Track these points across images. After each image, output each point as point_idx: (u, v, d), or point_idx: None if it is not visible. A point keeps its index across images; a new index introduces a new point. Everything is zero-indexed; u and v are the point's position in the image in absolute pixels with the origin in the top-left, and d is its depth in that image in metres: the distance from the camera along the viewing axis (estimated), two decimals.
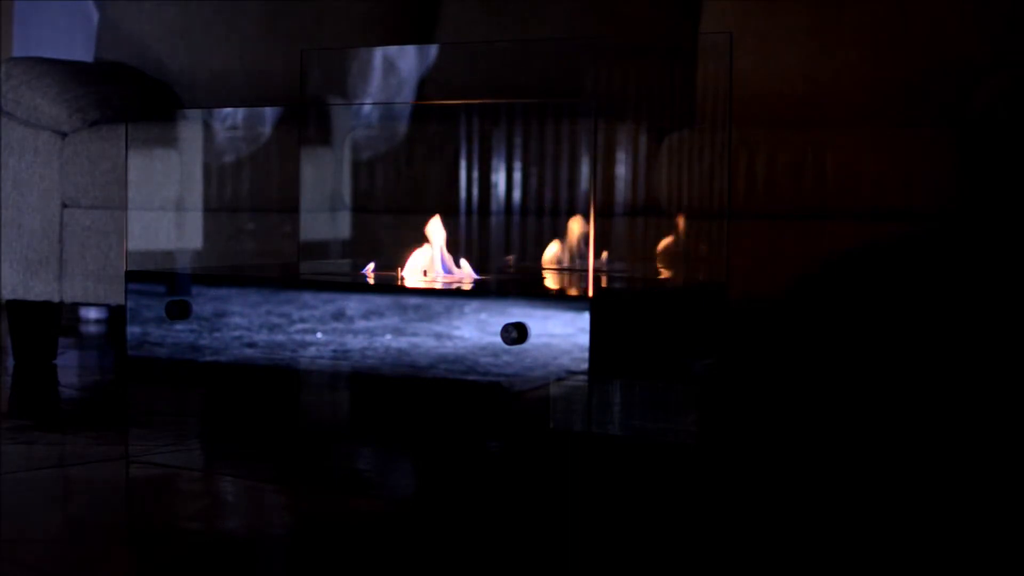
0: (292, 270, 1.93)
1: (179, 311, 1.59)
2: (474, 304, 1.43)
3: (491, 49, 2.58)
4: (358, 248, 2.02)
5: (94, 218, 2.37)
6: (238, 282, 1.60)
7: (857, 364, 2.09)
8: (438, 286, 1.52)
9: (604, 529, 1.40)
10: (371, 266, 1.66)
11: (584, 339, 1.34)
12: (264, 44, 2.77)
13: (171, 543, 1.34)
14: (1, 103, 2.45)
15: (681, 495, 1.57)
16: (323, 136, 2.09)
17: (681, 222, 1.82)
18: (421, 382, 1.47)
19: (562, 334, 1.36)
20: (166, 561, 1.27)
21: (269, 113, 2.19)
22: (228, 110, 2.18)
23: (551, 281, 1.70)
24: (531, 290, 1.56)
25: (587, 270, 1.48)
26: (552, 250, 1.79)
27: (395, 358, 1.48)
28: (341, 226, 2.07)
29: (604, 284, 1.66)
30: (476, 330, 1.42)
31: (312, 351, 1.53)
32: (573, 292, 1.50)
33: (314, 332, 1.53)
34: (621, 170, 1.96)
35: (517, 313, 1.39)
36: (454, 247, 1.66)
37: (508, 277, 1.73)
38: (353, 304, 1.51)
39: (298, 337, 1.54)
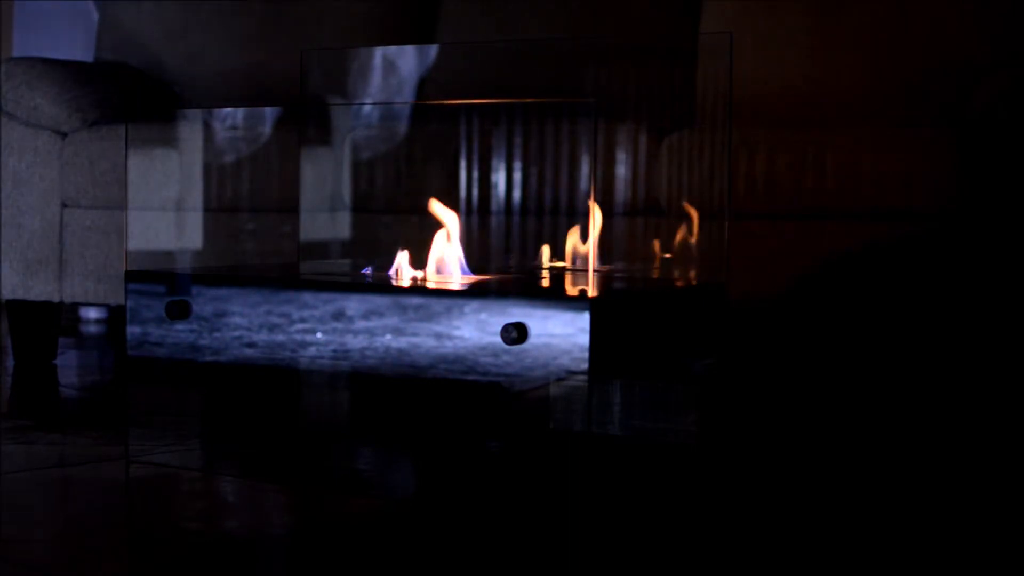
0: (292, 270, 1.93)
1: (179, 311, 1.59)
2: (474, 304, 1.43)
3: (491, 49, 2.58)
4: (358, 248, 2.02)
5: (94, 218, 2.37)
6: (238, 282, 1.60)
7: (857, 364, 2.09)
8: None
9: (604, 529, 1.40)
10: (368, 270, 1.66)
11: (584, 339, 1.34)
12: (264, 44, 2.77)
13: (171, 543, 1.34)
14: (1, 103, 2.45)
15: (681, 495, 1.57)
16: (323, 136, 2.09)
17: (691, 213, 1.82)
18: (421, 382, 1.47)
19: (562, 334, 1.36)
20: (166, 561, 1.27)
21: (269, 113, 2.19)
22: (228, 110, 2.18)
23: (550, 281, 1.70)
24: (531, 290, 1.55)
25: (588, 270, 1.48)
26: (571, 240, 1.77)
27: (395, 358, 1.47)
28: (341, 226, 2.07)
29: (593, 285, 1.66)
30: (476, 330, 1.42)
31: (312, 351, 1.53)
32: (573, 292, 1.50)
33: (314, 332, 1.53)
34: (621, 170, 1.96)
35: (517, 313, 1.39)
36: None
37: (519, 276, 1.73)
38: (353, 304, 1.51)
39: (298, 337, 1.54)
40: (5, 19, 3.53)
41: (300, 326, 1.54)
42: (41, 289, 2.42)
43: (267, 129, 2.12)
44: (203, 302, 1.59)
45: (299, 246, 2.01)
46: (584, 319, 1.34)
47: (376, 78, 2.11)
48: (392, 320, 1.48)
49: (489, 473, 1.50)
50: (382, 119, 2.13)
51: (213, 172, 2.11)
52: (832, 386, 2.19)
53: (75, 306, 3.18)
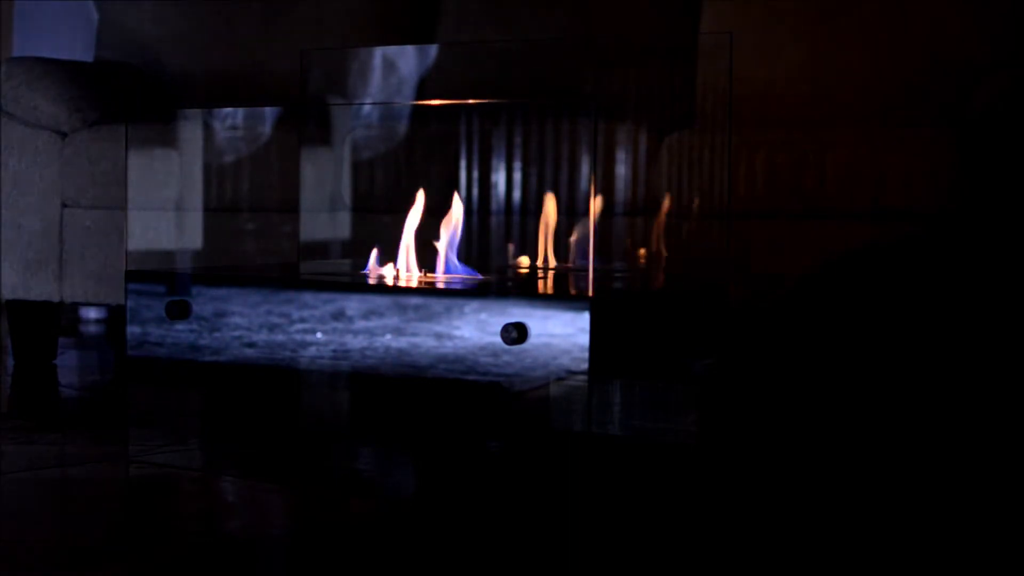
0: (292, 270, 1.93)
1: (179, 311, 1.59)
2: (474, 304, 1.43)
3: (491, 49, 2.58)
4: (358, 248, 2.02)
5: (94, 218, 2.37)
6: (238, 282, 1.60)
7: (857, 363, 2.09)
8: (450, 285, 1.52)
9: (604, 529, 1.40)
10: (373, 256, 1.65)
11: (584, 339, 1.34)
12: (264, 44, 2.77)
13: (171, 543, 1.34)
14: (1, 103, 2.45)
15: (681, 495, 1.57)
16: (323, 136, 2.09)
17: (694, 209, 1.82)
18: (421, 382, 1.47)
19: (562, 334, 1.36)
20: (166, 561, 1.27)
21: (269, 113, 2.20)
22: (228, 110, 2.18)
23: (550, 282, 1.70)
24: (531, 290, 1.56)
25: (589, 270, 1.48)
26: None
27: (395, 358, 1.47)
28: (341, 226, 2.07)
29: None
30: (476, 330, 1.42)
31: (312, 351, 1.53)
32: (573, 292, 1.50)
33: (314, 332, 1.53)
34: (621, 170, 1.96)
35: (517, 313, 1.39)
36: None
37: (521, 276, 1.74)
38: (353, 304, 1.51)
39: (298, 337, 1.54)
40: (5, 19, 3.53)
41: (300, 326, 1.54)
42: (41, 289, 2.42)
43: (267, 129, 2.12)
44: (203, 302, 1.59)
45: (299, 246, 2.01)
46: (584, 319, 1.34)
47: (376, 78, 2.11)
48: (392, 320, 1.48)
49: (489, 473, 1.50)
50: (382, 119, 2.13)
51: (213, 172, 2.11)
52: (832, 386, 2.19)
53: (75, 306, 3.18)
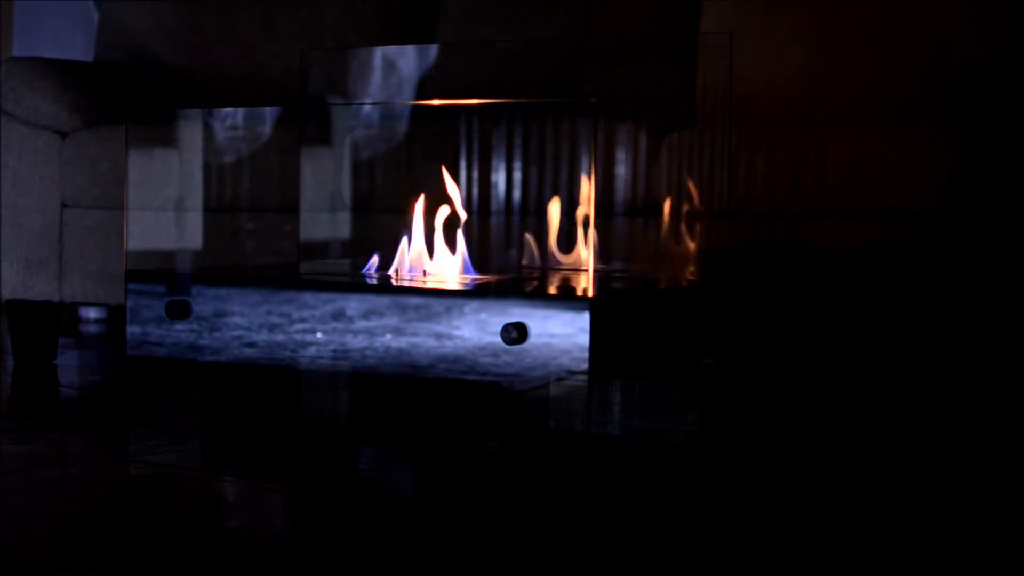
0: (292, 270, 1.93)
1: (179, 311, 1.59)
2: (474, 304, 1.43)
3: (491, 49, 2.58)
4: (358, 248, 2.02)
5: (94, 218, 2.37)
6: (238, 282, 1.60)
7: (857, 363, 2.09)
8: (453, 286, 1.52)
9: (604, 529, 1.40)
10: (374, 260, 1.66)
11: (584, 339, 1.34)
12: (264, 44, 2.77)
13: (171, 543, 1.34)
14: (1, 103, 2.45)
15: (681, 495, 1.57)
16: (323, 136, 2.09)
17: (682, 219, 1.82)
18: (421, 382, 1.47)
19: (562, 334, 1.36)
20: (166, 561, 1.27)
21: (269, 113, 2.19)
22: (228, 110, 2.18)
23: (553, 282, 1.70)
24: (531, 290, 1.56)
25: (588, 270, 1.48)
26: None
27: (395, 358, 1.47)
28: (341, 226, 2.07)
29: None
30: (476, 330, 1.42)
31: (312, 351, 1.53)
32: (577, 292, 1.50)
33: (314, 332, 1.53)
34: (621, 170, 1.96)
35: (517, 313, 1.39)
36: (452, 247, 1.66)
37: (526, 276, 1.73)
38: (353, 304, 1.51)
39: (298, 337, 1.54)
40: (5, 19, 3.53)
41: (300, 326, 1.54)
42: (41, 289, 2.42)
43: (267, 129, 2.12)
44: (203, 302, 1.59)
45: (299, 246, 2.01)
46: (584, 319, 1.34)
47: (376, 78, 2.11)
48: (392, 320, 1.48)
49: (489, 473, 1.50)
50: (382, 119, 2.13)
51: (213, 172, 2.11)
52: (832, 385, 2.19)
53: (75, 306, 3.18)
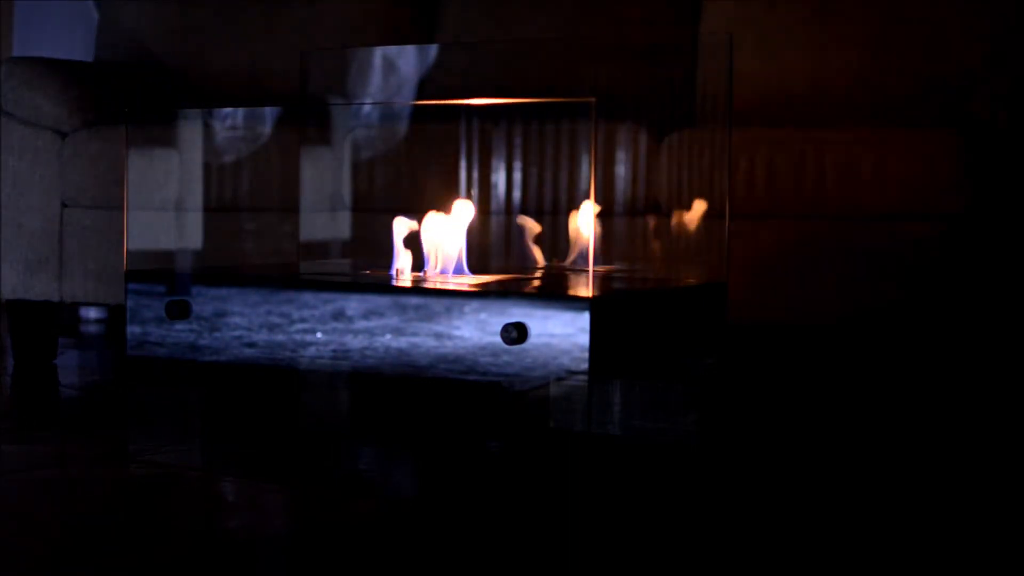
0: (292, 270, 1.93)
1: (179, 311, 1.59)
2: (474, 304, 1.43)
3: (491, 49, 2.58)
4: (358, 248, 2.02)
5: (94, 218, 2.37)
6: (238, 282, 1.60)
7: (858, 364, 2.09)
8: (452, 286, 1.52)
9: (604, 529, 1.40)
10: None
11: (584, 339, 1.34)
12: (264, 44, 2.77)
13: (171, 543, 1.34)
14: (1, 103, 2.45)
15: (681, 495, 1.57)
16: (323, 136, 2.09)
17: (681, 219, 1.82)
18: (421, 382, 1.47)
19: (562, 334, 1.36)
20: (166, 561, 1.27)
21: (269, 113, 2.19)
22: (228, 110, 2.18)
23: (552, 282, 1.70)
24: (531, 290, 1.55)
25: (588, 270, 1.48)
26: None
27: (395, 358, 1.47)
28: (341, 226, 2.07)
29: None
30: (476, 330, 1.42)
31: (312, 351, 1.53)
32: (577, 292, 1.50)
33: (314, 332, 1.53)
34: (621, 170, 1.96)
35: (517, 313, 1.39)
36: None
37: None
38: (353, 304, 1.51)
39: (298, 337, 1.54)
40: (5, 19, 3.53)
41: (300, 326, 1.54)
42: (41, 289, 2.42)
43: (267, 129, 2.12)
44: (203, 302, 1.59)
45: (299, 246, 2.01)
46: (584, 319, 1.34)
47: (376, 78, 2.11)
48: (392, 320, 1.48)
49: (489, 473, 1.51)
50: (382, 119, 2.13)
51: (213, 172, 2.11)
52: (833, 385, 2.19)
53: (75, 306, 3.18)
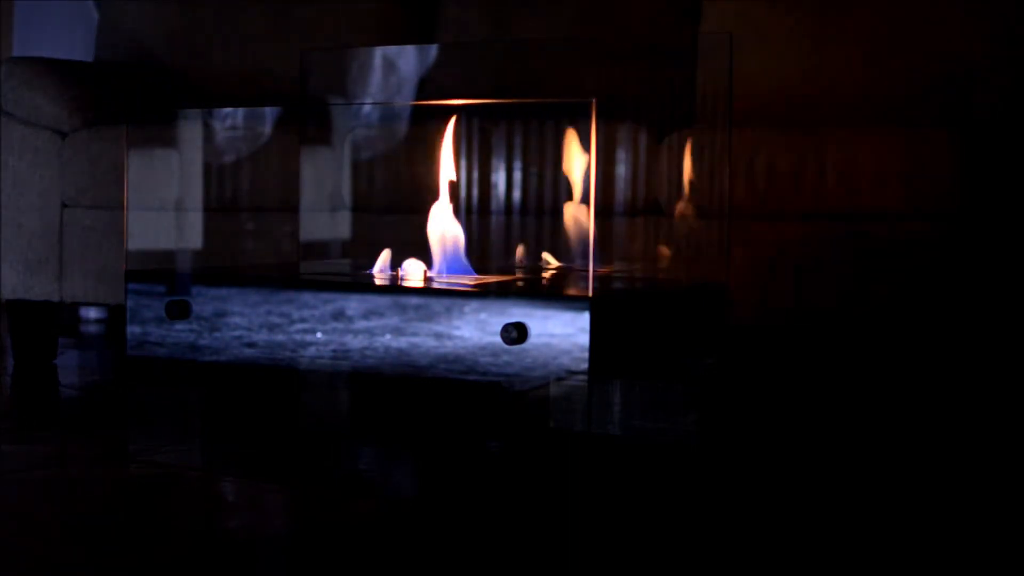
0: (292, 270, 1.93)
1: (179, 311, 1.59)
2: (474, 304, 1.43)
3: (491, 49, 2.58)
4: (358, 248, 2.02)
5: (94, 218, 2.37)
6: (238, 282, 1.60)
7: (857, 363, 2.09)
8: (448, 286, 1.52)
9: (604, 529, 1.40)
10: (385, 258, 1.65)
11: (584, 339, 1.34)
12: (264, 44, 2.77)
13: (171, 543, 1.34)
14: (1, 103, 2.45)
15: (681, 495, 1.57)
16: (323, 136, 2.09)
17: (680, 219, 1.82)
18: (421, 382, 1.47)
19: (562, 334, 1.36)
20: (166, 561, 1.27)
21: (269, 113, 2.19)
22: (228, 110, 2.18)
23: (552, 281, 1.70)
24: (531, 290, 1.56)
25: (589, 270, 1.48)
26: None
27: (395, 358, 1.47)
28: (341, 226, 2.07)
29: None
30: (476, 330, 1.42)
31: (312, 351, 1.53)
32: (572, 292, 1.50)
33: (314, 332, 1.53)
34: (621, 170, 1.96)
35: (517, 313, 1.39)
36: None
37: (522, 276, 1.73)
38: (353, 304, 1.51)
39: (298, 337, 1.54)
40: (5, 19, 3.53)
41: (300, 326, 1.54)
42: (41, 289, 2.42)
43: (267, 129, 2.12)
44: (203, 302, 1.59)
45: (299, 246, 2.01)
46: (584, 319, 1.34)
47: (376, 78, 2.11)
48: (392, 320, 1.48)
49: (489, 473, 1.50)
50: (382, 119, 2.13)
51: (213, 172, 2.11)
52: (832, 385, 2.19)
53: (75, 306, 3.18)
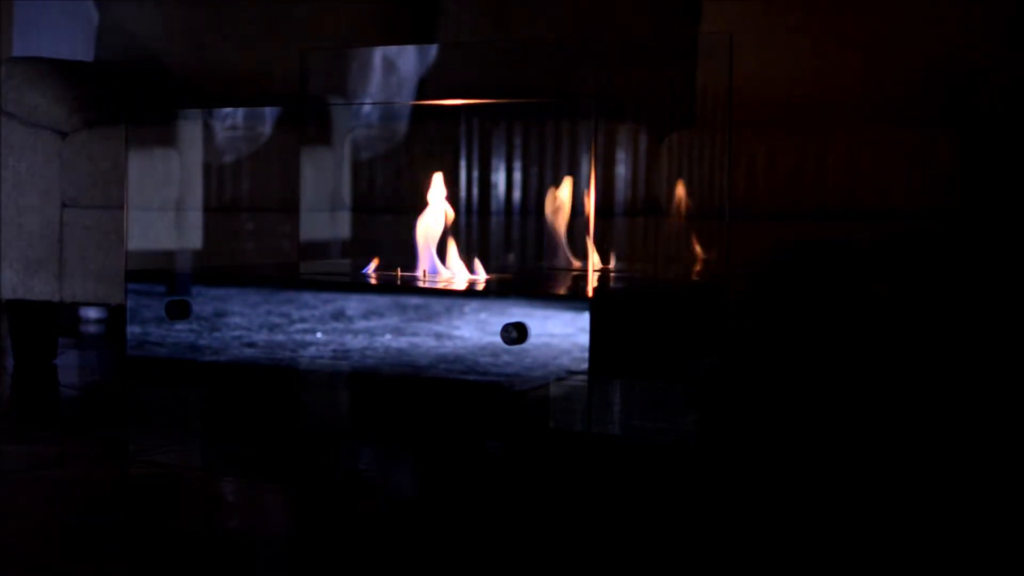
0: (292, 270, 1.93)
1: (179, 311, 1.59)
2: (474, 304, 1.43)
3: (491, 49, 2.58)
4: (358, 248, 2.02)
5: (94, 218, 2.37)
6: (238, 282, 1.60)
7: (857, 363, 2.09)
8: (438, 286, 1.52)
9: (604, 529, 1.40)
10: (373, 266, 1.66)
11: (584, 339, 1.34)
12: (264, 44, 2.77)
13: (171, 543, 1.34)
14: (1, 103, 2.45)
15: (681, 495, 1.57)
16: (323, 136, 2.09)
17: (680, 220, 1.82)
18: (421, 382, 1.47)
19: (562, 334, 1.36)
20: (166, 561, 1.27)
21: (269, 113, 2.20)
22: (228, 110, 2.18)
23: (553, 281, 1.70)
24: (531, 290, 1.56)
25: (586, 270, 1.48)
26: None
27: (395, 358, 1.47)
28: (341, 226, 2.07)
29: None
30: (476, 330, 1.42)
31: (312, 351, 1.53)
32: (561, 291, 1.50)
33: (314, 332, 1.53)
34: (621, 170, 1.96)
35: (517, 313, 1.39)
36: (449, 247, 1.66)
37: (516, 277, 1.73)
38: (353, 304, 1.51)
39: (298, 337, 1.54)
40: (5, 19, 3.53)
41: (300, 326, 1.54)
42: (41, 289, 2.42)
43: (267, 129, 2.12)
44: (203, 302, 1.59)
45: (299, 246, 2.01)
46: (584, 319, 1.34)
47: (376, 78, 2.11)
48: (392, 320, 1.48)
49: (489, 473, 1.51)
50: (382, 119, 2.13)
51: (213, 172, 2.11)
52: (832, 385, 2.19)
53: (75, 306, 3.19)
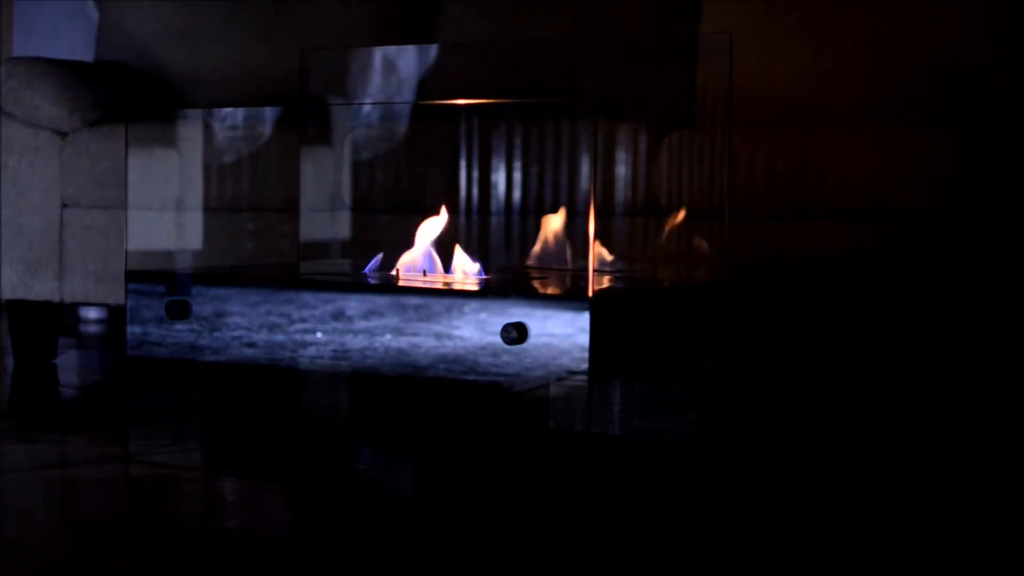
0: (292, 270, 1.93)
1: (179, 311, 1.59)
2: (474, 304, 1.43)
3: (491, 49, 2.58)
4: (358, 248, 2.02)
5: (94, 218, 2.37)
6: (238, 282, 1.60)
7: (857, 363, 2.09)
8: (438, 286, 1.52)
9: (604, 529, 1.40)
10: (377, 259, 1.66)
11: (584, 339, 1.34)
12: (264, 44, 2.77)
13: (171, 543, 1.35)
14: (1, 103, 2.45)
15: (681, 495, 1.57)
16: (323, 136, 2.09)
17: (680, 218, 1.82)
18: (421, 382, 1.47)
19: (562, 334, 1.36)
20: (166, 561, 1.27)
21: (269, 113, 2.20)
22: (228, 110, 2.18)
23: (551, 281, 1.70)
24: (531, 290, 1.56)
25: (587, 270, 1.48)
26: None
27: (395, 358, 1.48)
28: (341, 226, 2.07)
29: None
30: (476, 330, 1.42)
31: (312, 351, 1.53)
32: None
33: (314, 332, 1.53)
34: (621, 170, 1.96)
35: (517, 313, 1.39)
36: (449, 246, 1.66)
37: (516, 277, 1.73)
38: (353, 304, 1.51)
39: (298, 337, 1.54)
40: (5, 19, 3.53)
41: (300, 326, 1.54)
42: (41, 289, 2.42)
43: (267, 129, 2.12)
44: (203, 302, 1.59)
45: (299, 246, 2.01)
46: (584, 319, 1.34)
47: (376, 78, 2.11)
48: (392, 320, 1.48)
49: (489, 473, 1.51)
50: (382, 119, 2.13)
51: (213, 172, 2.11)
52: (832, 385, 2.19)
53: (75, 306, 3.19)
